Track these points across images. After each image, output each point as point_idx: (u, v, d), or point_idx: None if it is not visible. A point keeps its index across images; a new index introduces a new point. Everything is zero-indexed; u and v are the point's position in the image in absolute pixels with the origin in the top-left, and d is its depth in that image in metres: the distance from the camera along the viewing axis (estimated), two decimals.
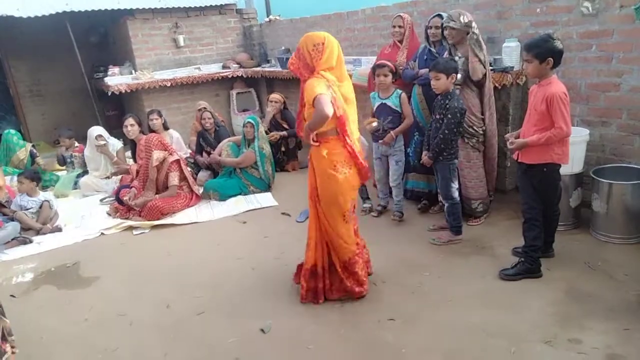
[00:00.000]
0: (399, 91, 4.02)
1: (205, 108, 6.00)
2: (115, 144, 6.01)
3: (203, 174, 5.81)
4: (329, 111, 2.66)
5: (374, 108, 4.12)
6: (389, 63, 3.96)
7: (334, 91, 2.74)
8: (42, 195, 5.01)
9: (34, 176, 4.94)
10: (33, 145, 6.64)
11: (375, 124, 3.96)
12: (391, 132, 3.97)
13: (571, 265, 3.25)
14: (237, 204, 5.04)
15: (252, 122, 5.35)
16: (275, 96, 6.12)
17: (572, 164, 3.54)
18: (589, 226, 3.68)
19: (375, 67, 4.01)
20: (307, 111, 2.88)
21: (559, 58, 2.89)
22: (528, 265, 3.14)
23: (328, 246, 3.07)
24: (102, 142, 5.80)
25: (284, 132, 5.96)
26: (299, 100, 3.00)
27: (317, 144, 2.88)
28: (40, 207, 4.82)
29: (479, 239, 3.76)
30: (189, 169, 5.44)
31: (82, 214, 5.14)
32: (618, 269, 3.15)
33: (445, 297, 3.04)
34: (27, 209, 4.78)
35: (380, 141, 4.05)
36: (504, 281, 3.14)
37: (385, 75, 3.94)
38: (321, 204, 2.96)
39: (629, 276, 3.05)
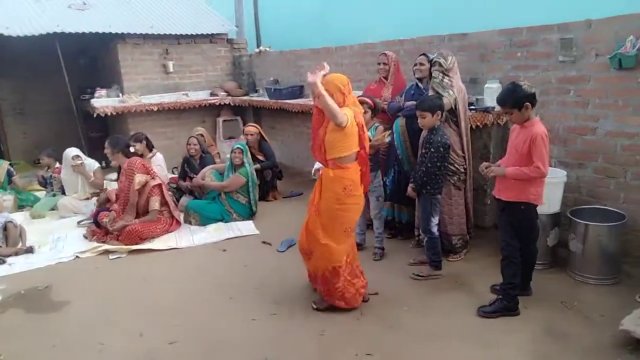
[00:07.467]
0: (376, 124, 4.13)
1: (201, 135, 5.97)
2: (92, 164, 5.92)
3: (185, 200, 5.75)
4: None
5: None
6: (368, 100, 4.06)
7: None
8: (2, 216, 4.77)
9: None
10: (11, 164, 6.51)
11: (388, 138, 4.01)
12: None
13: (548, 304, 3.28)
14: (218, 231, 4.99)
15: (242, 147, 5.36)
16: (249, 129, 5.92)
17: (550, 204, 3.62)
18: (566, 266, 3.73)
19: None
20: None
21: (534, 99, 2.98)
22: (506, 302, 3.15)
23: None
24: (79, 162, 5.73)
25: (258, 165, 5.70)
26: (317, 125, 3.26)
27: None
28: (5, 229, 4.64)
29: (459, 275, 3.77)
30: (170, 193, 5.38)
31: (57, 235, 5.02)
32: (593, 309, 3.18)
33: (423, 333, 3.02)
34: None
35: None
36: (483, 318, 3.14)
37: (365, 112, 4.03)
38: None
39: (604, 317, 3.08)
